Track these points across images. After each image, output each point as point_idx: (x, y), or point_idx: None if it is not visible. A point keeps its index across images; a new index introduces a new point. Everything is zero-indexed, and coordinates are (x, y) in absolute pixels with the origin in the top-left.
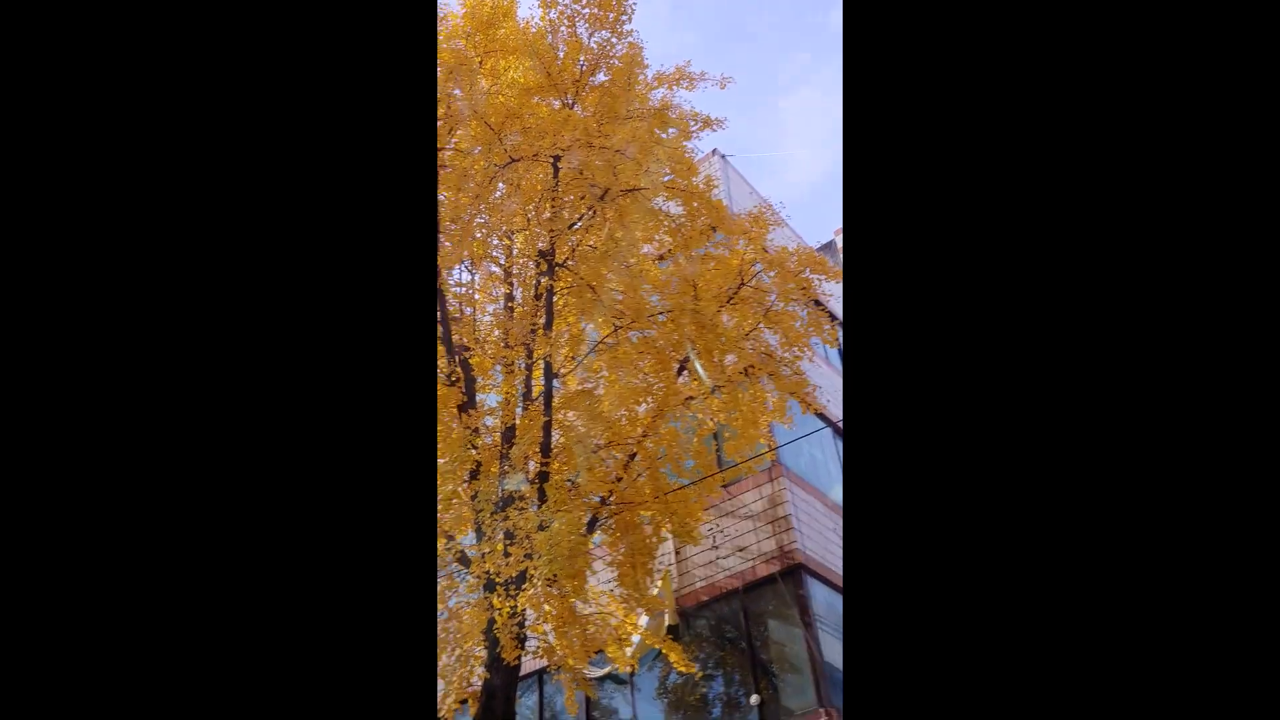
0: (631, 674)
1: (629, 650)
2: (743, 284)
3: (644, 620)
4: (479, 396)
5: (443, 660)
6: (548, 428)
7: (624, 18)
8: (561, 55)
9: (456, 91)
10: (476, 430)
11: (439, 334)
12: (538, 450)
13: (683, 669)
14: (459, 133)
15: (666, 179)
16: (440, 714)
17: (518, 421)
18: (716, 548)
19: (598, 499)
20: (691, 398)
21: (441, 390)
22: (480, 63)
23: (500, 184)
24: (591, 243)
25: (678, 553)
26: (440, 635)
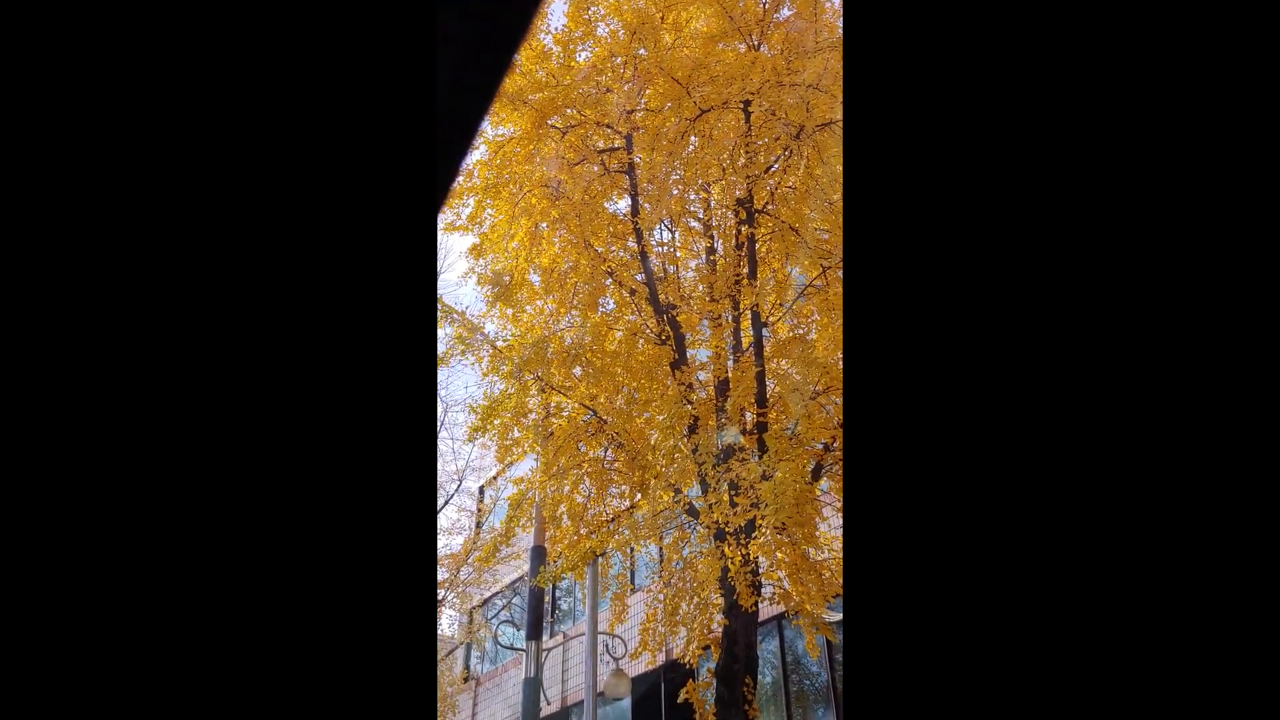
0: None
1: None
2: None
3: None
4: (690, 352)
5: (682, 608)
6: (761, 378)
7: None
8: None
9: (641, 51)
10: (690, 386)
11: (646, 295)
12: (753, 402)
13: None
14: (647, 91)
15: None
16: (684, 659)
17: (730, 374)
18: None
19: (821, 446)
20: None
21: (653, 349)
22: (662, 18)
23: (693, 137)
24: (790, 184)
25: None
26: (678, 584)
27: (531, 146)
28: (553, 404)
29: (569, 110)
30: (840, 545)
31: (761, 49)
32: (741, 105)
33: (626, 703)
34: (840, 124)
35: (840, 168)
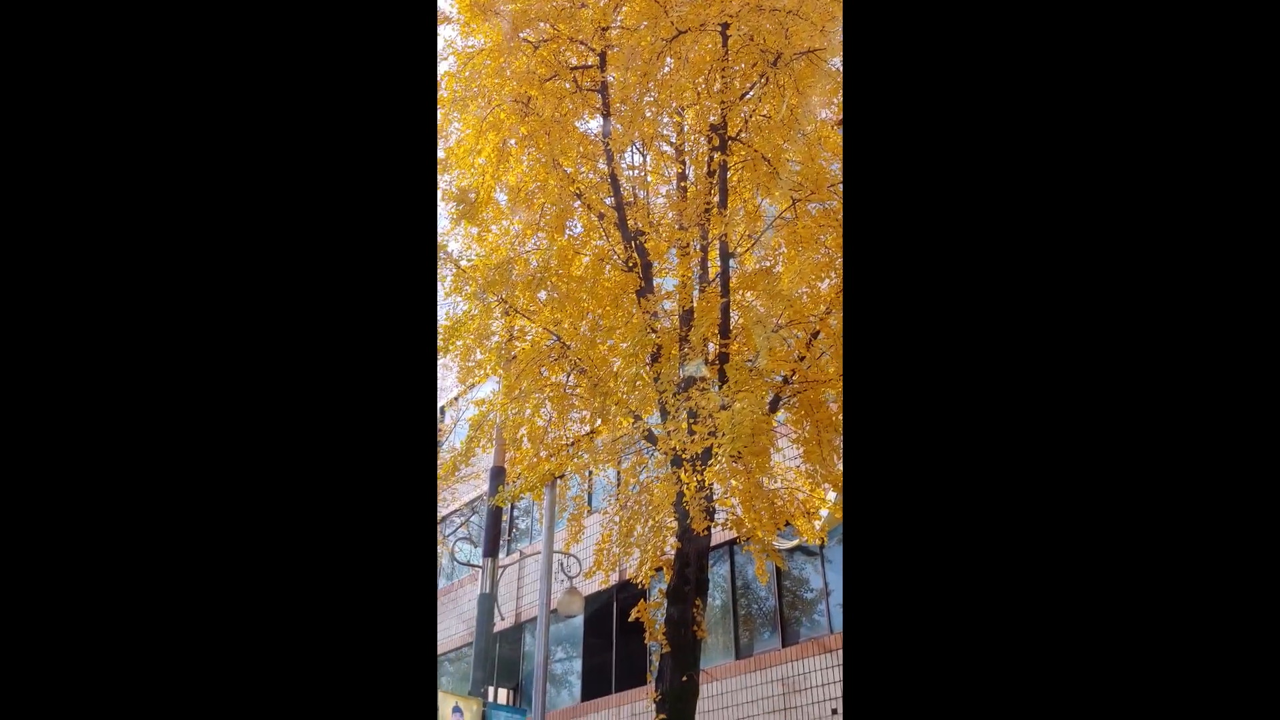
0: (821, 546)
1: (818, 524)
2: None
3: (832, 495)
4: (655, 280)
5: (637, 530)
6: (725, 309)
7: None
8: None
9: None
10: (655, 314)
11: (614, 219)
12: (716, 333)
13: None
14: (624, 9)
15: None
16: (637, 580)
17: (695, 304)
18: None
19: (780, 378)
20: None
21: (620, 276)
22: None
23: (668, 59)
24: (765, 112)
25: None
26: (633, 507)
27: (502, 60)
28: (516, 327)
29: (542, 24)
30: (793, 475)
31: None
32: (719, 28)
33: (579, 620)
34: (820, 53)
35: (817, 98)
